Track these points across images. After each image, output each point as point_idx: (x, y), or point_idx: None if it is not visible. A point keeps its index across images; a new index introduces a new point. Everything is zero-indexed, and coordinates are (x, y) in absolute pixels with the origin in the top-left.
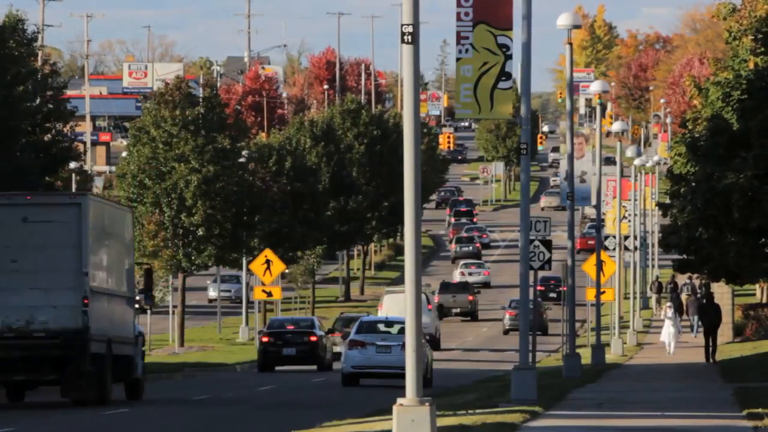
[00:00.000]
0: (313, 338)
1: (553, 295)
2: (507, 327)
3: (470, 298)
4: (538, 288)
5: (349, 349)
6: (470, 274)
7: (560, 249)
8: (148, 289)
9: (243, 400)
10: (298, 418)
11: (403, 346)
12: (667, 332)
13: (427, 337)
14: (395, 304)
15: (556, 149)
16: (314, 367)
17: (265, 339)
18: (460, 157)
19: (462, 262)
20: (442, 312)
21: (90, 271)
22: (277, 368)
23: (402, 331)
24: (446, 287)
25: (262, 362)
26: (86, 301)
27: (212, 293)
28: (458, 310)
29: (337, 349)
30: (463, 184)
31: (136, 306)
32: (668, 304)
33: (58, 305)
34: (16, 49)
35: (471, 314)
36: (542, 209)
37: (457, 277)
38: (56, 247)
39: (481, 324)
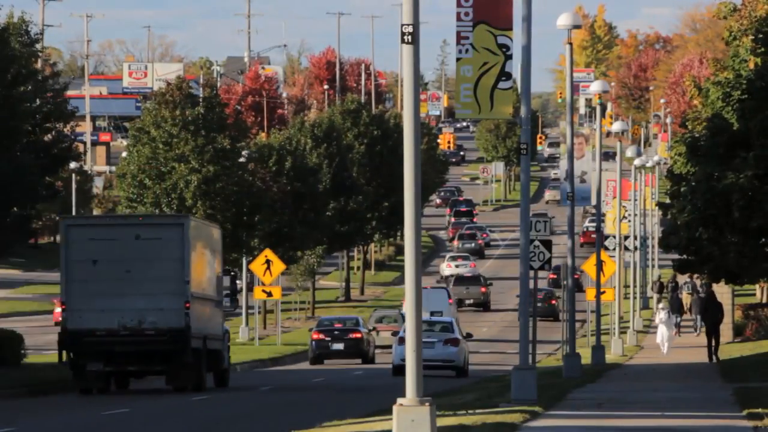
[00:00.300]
0: (358, 335)
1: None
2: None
3: (483, 289)
4: (550, 276)
5: (399, 344)
6: (457, 266)
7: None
8: (233, 293)
9: (243, 400)
10: (298, 418)
11: (444, 342)
12: (661, 333)
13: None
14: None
15: (553, 144)
16: (359, 360)
17: (316, 336)
18: (454, 159)
19: (449, 255)
20: (457, 303)
21: (190, 279)
22: (326, 361)
23: (443, 329)
24: (460, 280)
25: (313, 356)
26: (188, 305)
27: None
28: (471, 301)
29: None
30: (463, 184)
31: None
32: (660, 305)
33: (165, 308)
34: (18, 50)
35: (483, 305)
36: (546, 202)
37: (445, 270)
38: (163, 260)
39: (493, 314)
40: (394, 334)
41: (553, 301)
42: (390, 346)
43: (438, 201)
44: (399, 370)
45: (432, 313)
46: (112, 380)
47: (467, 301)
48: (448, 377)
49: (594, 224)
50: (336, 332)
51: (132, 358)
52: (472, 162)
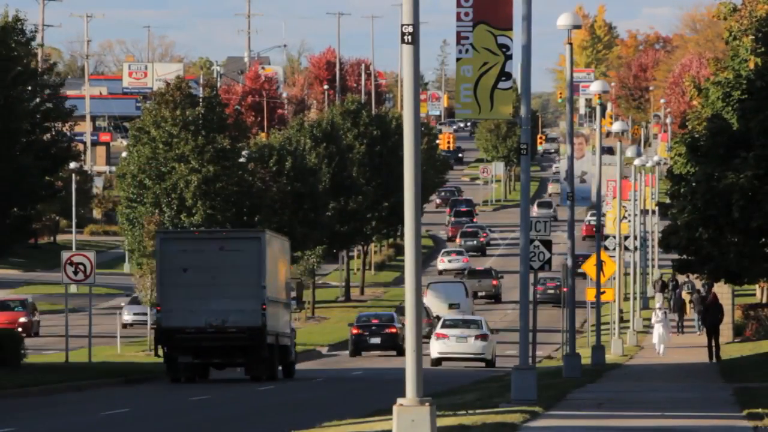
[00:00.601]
0: (393, 330)
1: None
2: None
3: (494, 282)
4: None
5: (436, 339)
6: (450, 261)
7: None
8: (299, 296)
9: (243, 400)
10: (298, 418)
11: (475, 337)
12: (657, 334)
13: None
14: (439, 293)
15: (551, 140)
16: (394, 352)
17: (355, 331)
18: (452, 161)
19: (444, 250)
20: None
21: (266, 284)
22: (364, 353)
23: (474, 326)
24: (473, 273)
25: (353, 349)
26: (264, 307)
27: (127, 317)
28: (483, 293)
29: None
30: (463, 185)
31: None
32: (658, 305)
33: (245, 309)
34: (15, 49)
35: (495, 297)
36: (549, 195)
37: (439, 264)
38: (243, 268)
39: (505, 305)
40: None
41: (565, 289)
42: None
43: (438, 201)
44: (436, 362)
45: (450, 306)
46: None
47: (479, 293)
48: (448, 378)
49: (596, 217)
50: (373, 327)
51: (216, 352)
52: (470, 163)
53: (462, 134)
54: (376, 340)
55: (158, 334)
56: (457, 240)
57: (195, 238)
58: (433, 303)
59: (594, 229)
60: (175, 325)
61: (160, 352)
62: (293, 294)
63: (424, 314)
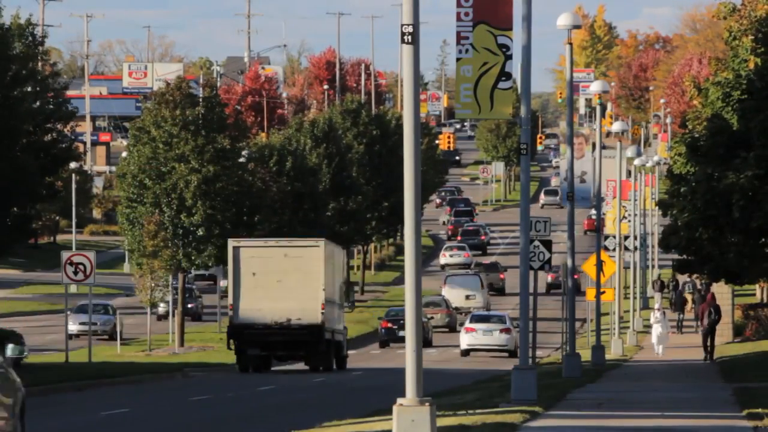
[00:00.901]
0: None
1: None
2: (548, 282)
3: (501, 276)
4: (550, 276)
5: (465, 333)
6: (451, 256)
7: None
8: (349, 297)
9: (243, 400)
10: (298, 418)
11: (500, 331)
12: (656, 334)
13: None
14: (456, 285)
15: (550, 136)
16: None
17: (385, 324)
18: (451, 161)
19: (446, 245)
20: None
21: (324, 287)
22: (392, 344)
23: (498, 321)
24: (479, 267)
25: (382, 341)
26: (323, 307)
27: (72, 326)
28: (491, 285)
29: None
30: (463, 184)
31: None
32: (657, 306)
33: (306, 308)
34: (21, 51)
35: (500, 290)
36: (542, 207)
37: (441, 259)
38: (304, 272)
39: (511, 298)
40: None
41: (576, 276)
42: (437, 327)
43: (438, 201)
44: (465, 353)
45: (467, 297)
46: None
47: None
48: (449, 376)
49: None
50: (402, 321)
51: (281, 346)
52: (468, 165)
53: (462, 134)
54: (404, 333)
55: (230, 329)
56: (458, 239)
57: (263, 246)
58: (451, 295)
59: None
60: (245, 322)
61: (232, 345)
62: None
63: (443, 305)
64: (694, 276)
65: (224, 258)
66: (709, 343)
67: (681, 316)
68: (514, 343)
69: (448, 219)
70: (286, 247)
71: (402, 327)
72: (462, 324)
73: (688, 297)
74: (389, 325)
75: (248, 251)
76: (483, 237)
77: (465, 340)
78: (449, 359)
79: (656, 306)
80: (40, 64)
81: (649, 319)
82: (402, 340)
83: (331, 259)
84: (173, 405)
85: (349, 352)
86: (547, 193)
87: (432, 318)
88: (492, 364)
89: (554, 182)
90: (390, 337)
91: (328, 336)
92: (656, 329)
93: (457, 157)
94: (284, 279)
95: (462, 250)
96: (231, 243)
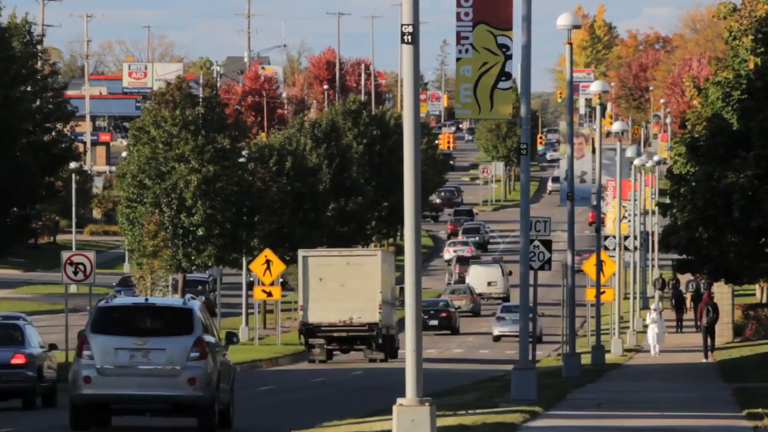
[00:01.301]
0: (447, 313)
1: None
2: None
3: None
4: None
5: (497, 321)
6: (455, 251)
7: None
8: (400, 296)
9: (243, 400)
10: (298, 418)
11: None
12: (652, 334)
13: (503, 295)
14: (479, 273)
15: (553, 131)
16: (449, 331)
17: None
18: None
19: (450, 240)
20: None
21: (381, 290)
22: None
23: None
24: (478, 259)
25: None
26: (380, 307)
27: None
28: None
29: None
30: (464, 184)
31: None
32: (653, 306)
33: (365, 308)
34: (20, 51)
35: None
36: (549, 193)
37: (445, 255)
38: (364, 278)
39: (514, 290)
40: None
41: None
42: (463, 312)
43: (438, 201)
44: (497, 338)
45: (489, 284)
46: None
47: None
48: (449, 376)
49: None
50: (431, 311)
51: (344, 340)
52: (463, 168)
53: (461, 134)
54: (434, 322)
55: (302, 327)
56: (459, 236)
57: (328, 255)
58: (474, 282)
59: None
60: (313, 321)
61: (302, 339)
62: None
63: (468, 292)
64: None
65: (224, 258)
66: (709, 342)
67: (681, 314)
68: (540, 330)
69: (449, 218)
70: (348, 256)
71: (432, 316)
72: (493, 313)
73: (687, 296)
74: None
75: (315, 260)
76: (484, 235)
77: (497, 328)
78: (478, 345)
79: (653, 306)
80: (39, 63)
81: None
82: (432, 328)
83: (386, 265)
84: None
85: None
86: (554, 180)
87: (459, 307)
88: (492, 363)
89: (557, 172)
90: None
91: (384, 332)
92: (652, 329)
93: (451, 162)
94: (346, 283)
95: (466, 245)
96: (301, 253)
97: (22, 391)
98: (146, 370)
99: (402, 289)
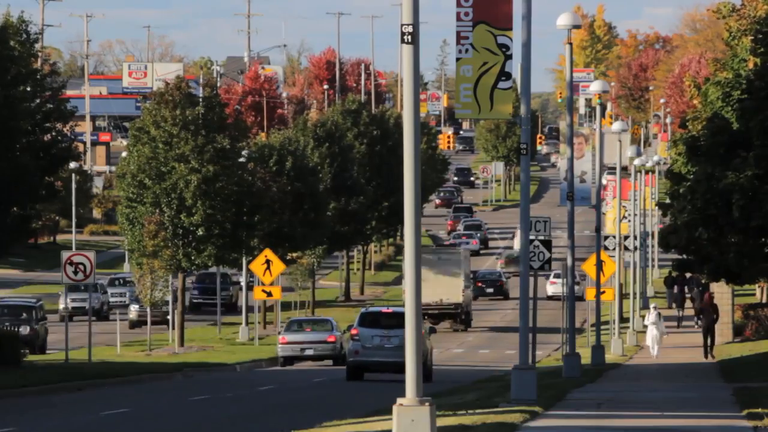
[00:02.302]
0: (500, 282)
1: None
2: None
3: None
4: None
5: (550, 284)
6: (459, 244)
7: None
8: (474, 283)
9: (243, 400)
10: (298, 418)
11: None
12: (651, 335)
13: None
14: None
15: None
16: (501, 297)
17: (478, 284)
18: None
19: (454, 233)
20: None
21: (463, 279)
22: (480, 298)
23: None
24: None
25: (473, 296)
26: (463, 291)
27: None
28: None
29: None
30: (463, 184)
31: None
32: (652, 306)
33: (452, 293)
34: (17, 50)
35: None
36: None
37: (447, 227)
38: (451, 269)
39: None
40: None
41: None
42: (494, 297)
43: (438, 201)
44: (550, 297)
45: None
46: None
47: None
48: (449, 376)
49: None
50: (488, 281)
51: (436, 316)
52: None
53: (460, 134)
54: (491, 290)
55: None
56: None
57: (427, 251)
58: (508, 269)
59: None
60: None
61: None
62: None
63: (501, 277)
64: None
65: (224, 258)
66: (709, 342)
67: (681, 312)
68: (583, 292)
69: (449, 217)
70: (439, 252)
71: (487, 285)
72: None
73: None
74: (478, 284)
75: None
76: (485, 232)
77: (550, 289)
78: (477, 345)
79: (652, 306)
80: (39, 62)
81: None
82: (489, 295)
83: (465, 261)
84: (173, 405)
85: None
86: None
87: (514, 272)
88: (492, 363)
89: (554, 158)
90: (478, 293)
91: (465, 309)
92: (651, 330)
93: (448, 167)
94: (438, 274)
95: (471, 238)
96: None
97: (334, 357)
98: (388, 347)
99: (474, 275)
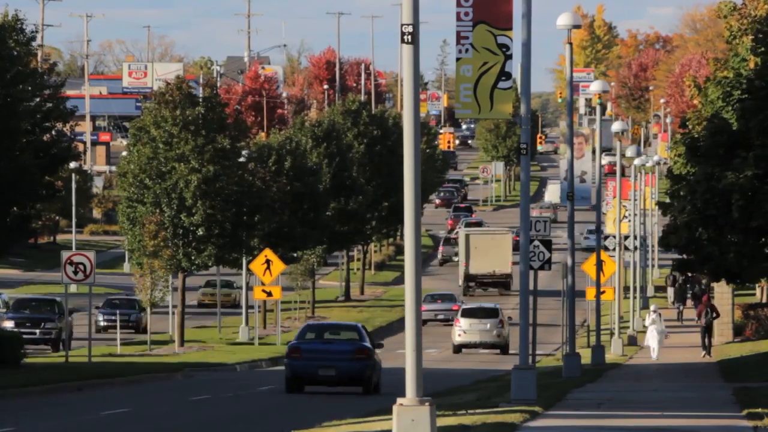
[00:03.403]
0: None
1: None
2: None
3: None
4: None
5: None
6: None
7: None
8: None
9: (243, 400)
10: (298, 418)
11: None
12: (652, 336)
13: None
14: (554, 189)
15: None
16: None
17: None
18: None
19: (453, 213)
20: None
21: (511, 253)
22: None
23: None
24: None
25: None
26: (511, 264)
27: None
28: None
29: None
30: (464, 184)
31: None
32: (652, 308)
33: (502, 265)
34: (14, 49)
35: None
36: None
37: (447, 226)
38: (501, 246)
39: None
40: None
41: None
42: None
43: (438, 201)
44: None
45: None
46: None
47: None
48: (449, 376)
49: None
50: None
51: (489, 284)
52: (463, 171)
53: (461, 134)
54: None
55: (465, 275)
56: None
57: (479, 233)
58: (550, 196)
59: None
60: (473, 272)
61: (464, 283)
62: None
63: (550, 206)
64: (694, 276)
65: (224, 258)
66: (707, 341)
67: (681, 307)
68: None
69: (449, 215)
70: (492, 234)
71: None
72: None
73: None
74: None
75: (473, 236)
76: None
77: (585, 241)
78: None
79: (652, 308)
80: (39, 61)
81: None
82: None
83: (512, 240)
84: (173, 405)
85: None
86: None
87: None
88: (492, 363)
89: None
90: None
91: (512, 279)
92: (652, 332)
93: (453, 162)
94: (491, 250)
95: (468, 217)
96: (463, 231)
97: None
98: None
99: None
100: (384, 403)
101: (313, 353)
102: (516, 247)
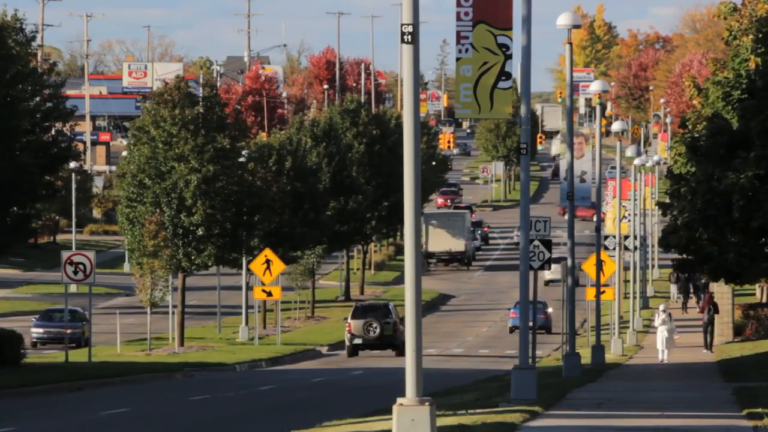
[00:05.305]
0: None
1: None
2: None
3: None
4: None
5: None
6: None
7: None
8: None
9: (243, 399)
10: (298, 418)
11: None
12: (662, 338)
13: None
14: (439, 223)
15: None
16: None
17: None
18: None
19: (441, 189)
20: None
21: (466, 234)
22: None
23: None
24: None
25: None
26: (466, 243)
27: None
28: None
29: None
30: (463, 184)
31: None
32: (661, 307)
33: (458, 243)
34: (14, 48)
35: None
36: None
37: (439, 200)
38: (456, 226)
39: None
40: None
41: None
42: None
43: (438, 201)
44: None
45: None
46: None
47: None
48: (449, 376)
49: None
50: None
51: (446, 260)
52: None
53: (461, 133)
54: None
55: (425, 254)
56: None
57: (438, 214)
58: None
59: None
60: (431, 250)
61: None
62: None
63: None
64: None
65: (224, 258)
66: (708, 337)
67: (686, 299)
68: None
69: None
70: (448, 214)
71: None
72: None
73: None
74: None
75: (432, 219)
76: (486, 228)
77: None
78: (476, 345)
79: (661, 307)
80: (39, 61)
81: (650, 319)
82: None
83: (467, 221)
84: (173, 405)
85: (326, 357)
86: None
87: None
88: (492, 363)
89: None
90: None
91: (467, 255)
92: (662, 332)
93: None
94: (447, 229)
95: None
96: (424, 212)
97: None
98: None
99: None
100: (384, 403)
101: None
102: (475, 225)
